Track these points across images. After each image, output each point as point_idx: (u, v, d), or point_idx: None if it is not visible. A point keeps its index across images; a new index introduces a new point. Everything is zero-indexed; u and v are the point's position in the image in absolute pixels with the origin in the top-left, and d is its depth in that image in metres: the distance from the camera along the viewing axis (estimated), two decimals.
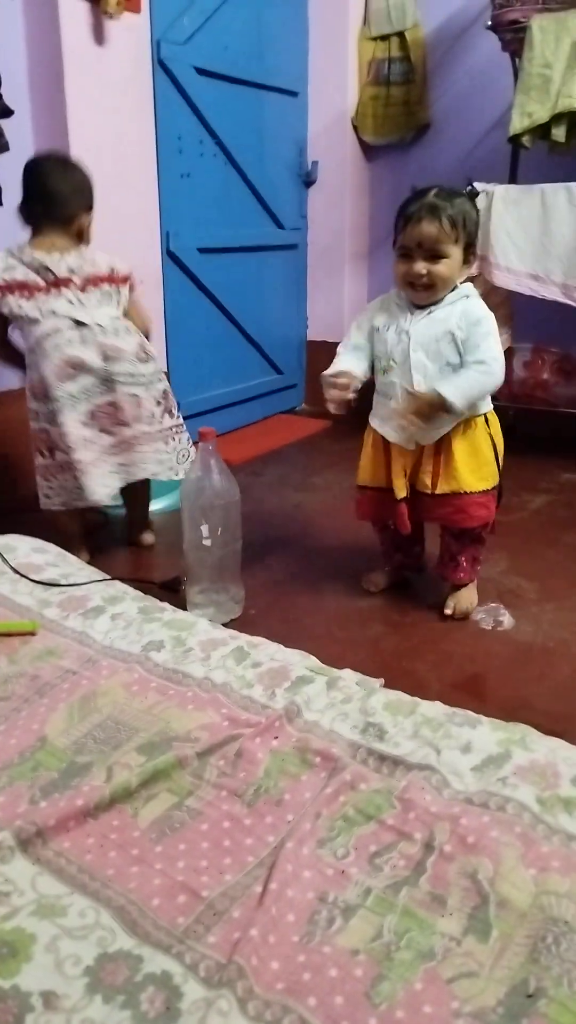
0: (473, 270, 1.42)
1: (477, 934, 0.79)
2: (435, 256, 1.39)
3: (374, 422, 1.56)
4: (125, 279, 1.79)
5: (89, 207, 1.73)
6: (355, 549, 1.92)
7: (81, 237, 1.73)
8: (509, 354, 2.56)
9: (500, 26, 2.34)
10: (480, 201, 2.35)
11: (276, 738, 1.08)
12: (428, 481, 1.49)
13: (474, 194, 1.48)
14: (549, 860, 0.87)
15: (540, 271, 2.33)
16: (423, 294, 1.43)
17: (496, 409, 2.69)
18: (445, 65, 2.88)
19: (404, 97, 2.92)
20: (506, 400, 2.63)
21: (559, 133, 2.23)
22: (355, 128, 3.03)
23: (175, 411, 1.83)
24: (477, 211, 1.44)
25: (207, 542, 1.48)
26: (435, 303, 1.44)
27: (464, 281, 1.47)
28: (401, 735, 1.08)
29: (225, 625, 1.48)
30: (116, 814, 0.95)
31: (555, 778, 0.99)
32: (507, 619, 1.55)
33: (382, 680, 1.24)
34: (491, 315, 1.44)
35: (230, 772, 1.02)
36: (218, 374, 2.83)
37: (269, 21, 2.77)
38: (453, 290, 1.44)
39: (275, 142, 2.89)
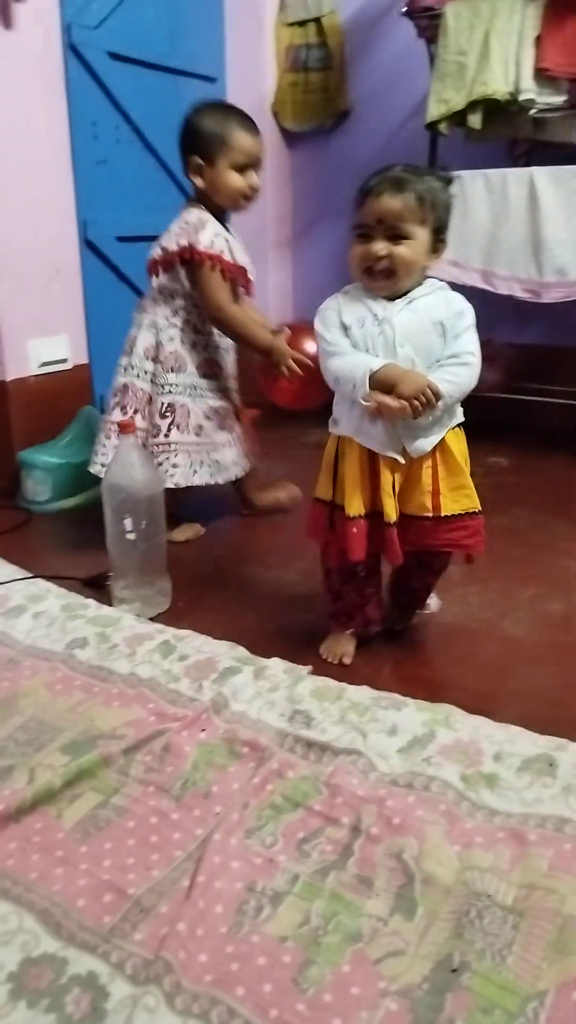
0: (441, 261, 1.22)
1: (403, 913, 0.81)
2: (397, 236, 1.17)
3: (352, 434, 1.25)
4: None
5: None
6: (284, 537, 1.92)
7: None
8: None
9: (415, 12, 2.35)
10: None
11: (203, 731, 1.07)
12: (429, 502, 1.24)
13: (447, 179, 1.23)
14: (473, 836, 0.89)
15: (460, 258, 2.36)
16: (382, 282, 1.20)
17: None
18: (363, 51, 2.89)
19: (323, 84, 2.92)
20: None
21: (475, 120, 2.26)
22: (275, 115, 3.02)
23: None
24: (449, 194, 1.21)
25: (131, 536, 1.46)
26: (407, 292, 1.21)
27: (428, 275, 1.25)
28: (328, 721, 1.09)
29: (153, 619, 1.47)
30: (39, 816, 0.93)
31: (478, 755, 1.01)
32: (434, 602, 1.56)
33: (310, 667, 1.25)
34: (471, 308, 1.25)
35: (157, 767, 1.01)
36: None
37: (183, 6, 2.73)
38: (422, 283, 1.23)
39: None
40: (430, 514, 1.25)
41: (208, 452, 1.82)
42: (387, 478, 1.23)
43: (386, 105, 2.88)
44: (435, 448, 1.24)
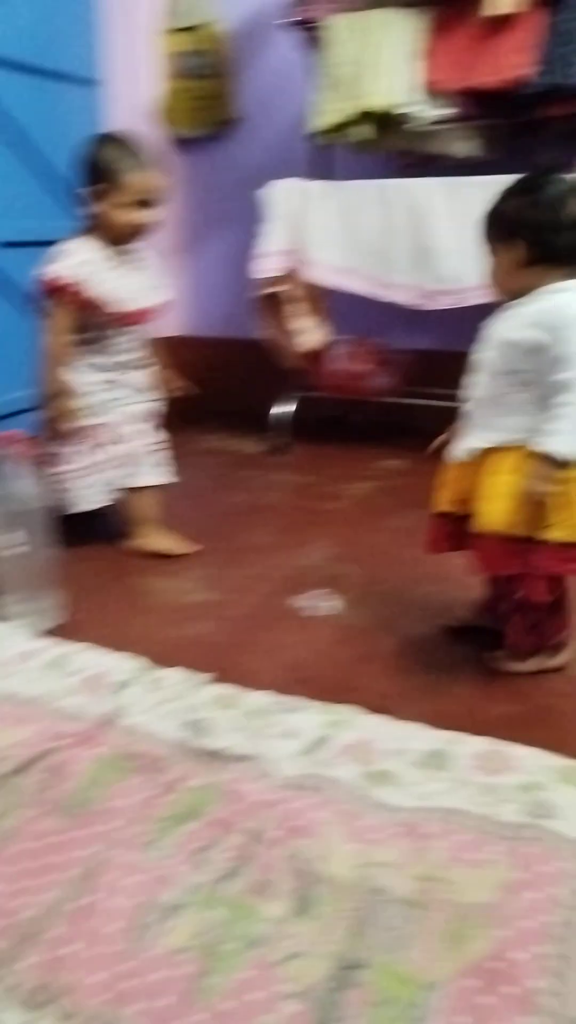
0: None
1: (303, 914, 0.80)
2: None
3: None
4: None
5: None
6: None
7: None
8: (328, 347, 2.62)
9: (298, 23, 2.38)
10: (289, 196, 2.40)
11: (99, 746, 1.05)
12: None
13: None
14: (371, 833, 0.90)
15: (351, 266, 2.40)
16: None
17: (318, 400, 2.79)
18: (250, 60, 2.91)
19: (210, 91, 2.92)
20: (327, 391, 2.69)
21: (363, 131, 2.30)
22: (162, 120, 3.00)
23: None
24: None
25: (18, 549, 1.41)
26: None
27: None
28: (227, 728, 1.08)
29: (47, 633, 1.42)
30: None
31: (375, 754, 1.03)
32: (333, 604, 1.58)
33: (209, 675, 1.24)
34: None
35: (52, 785, 0.98)
36: (25, 373, 2.71)
37: (60, 9, 2.67)
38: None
39: (79, 132, 2.80)
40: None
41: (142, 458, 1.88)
42: (452, 473, 1.31)
43: (275, 114, 2.91)
44: None
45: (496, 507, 1.17)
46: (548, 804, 0.92)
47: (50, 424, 1.79)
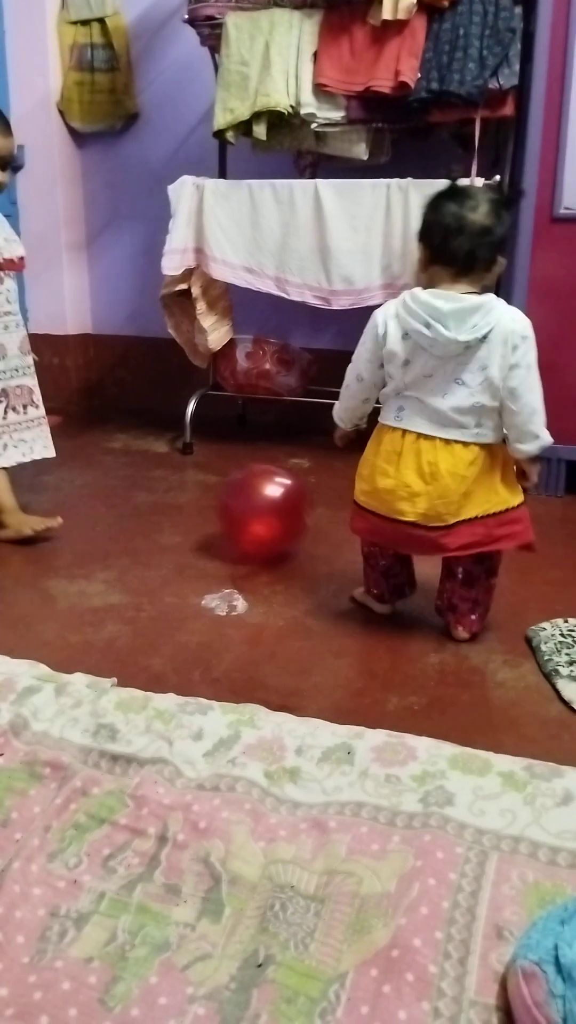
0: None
1: (211, 916, 0.81)
2: None
3: None
4: (19, 263, 1.84)
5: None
6: (83, 548, 1.87)
7: None
8: (232, 345, 2.63)
9: (196, 21, 2.37)
10: (192, 194, 2.39)
11: (1, 755, 1.03)
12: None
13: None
14: (277, 830, 0.92)
15: (254, 264, 2.41)
16: None
17: (223, 399, 2.79)
18: (150, 55, 2.88)
19: (110, 85, 2.87)
20: (232, 390, 2.70)
21: (259, 131, 2.31)
22: (61, 113, 2.94)
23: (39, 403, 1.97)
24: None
25: None
26: None
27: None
28: (133, 732, 1.08)
29: None
30: None
31: (281, 751, 1.04)
32: (240, 603, 1.59)
33: (114, 680, 1.23)
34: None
35: None
36: None
37: None
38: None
39: None
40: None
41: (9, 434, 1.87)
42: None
43: (176, 110, 2.89)
44: None
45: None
46: (444, 791, 0.96)
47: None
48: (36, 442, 1.93)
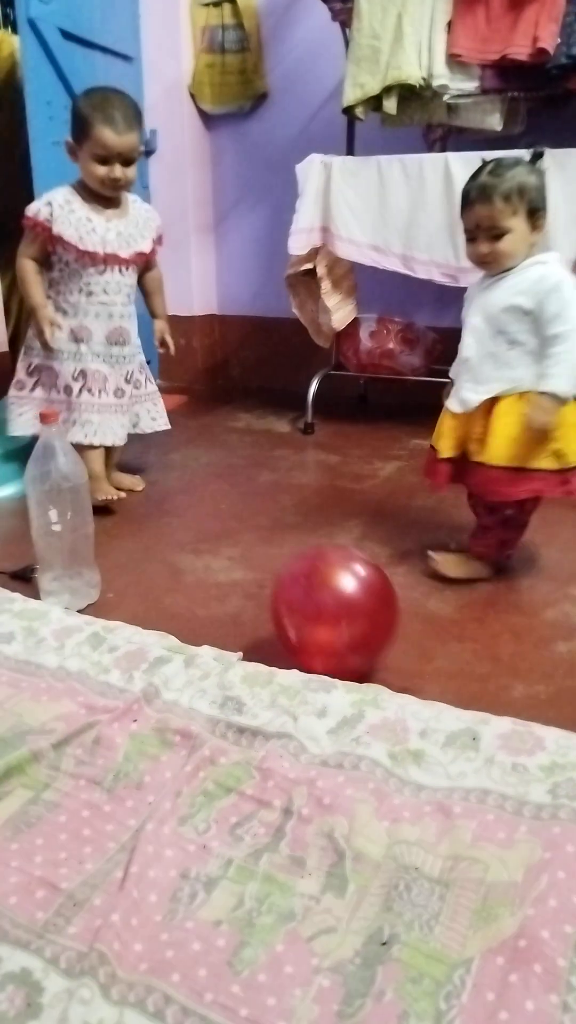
0: (540, 234, 1.42)
1: (335, 890, 0.82)
2: (496, 235, 1.38)
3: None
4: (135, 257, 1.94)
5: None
6: (208, 525, 1.92)
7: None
8: (355, 324, 2.62)
9: None
10: (320, 172, 2.38)
11: (135, 721, 1.07)
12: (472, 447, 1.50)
13: (538, 155, 1.52)
14: (400, 811, 0.92)
15: (380, 242, 2.38)
16: (493, 268, 1.44)
17: (345, 379, 2.78)
18: (279, 34, 2.88)
19: (240, 65, 2.89)
20: (355, 370, 2.69)
21: (390, 105, 2.28)
22: (192, 96, 2.99)
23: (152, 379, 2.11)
24: (540, 174, 1.40)
25: (56, 527, 1.44)
26: (507, 270, 1.43)
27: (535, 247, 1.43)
28: (259, 706, 1.10)
29: (81, 611, 1.45)
30: None
31: (404, 733, 1.04)
32: None
33: (240, 653, 1.26)
34: (572, 281, 1.40)
35: (88, 760, 1.01)
36: None
37: None
38: (526, 257, 1.42)
39: None
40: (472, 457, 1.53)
41: (79, 412, 1.92)
42: (449, 423, 1.56)
43: (304, 88, 2.88)
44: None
45: (501, 443, 1.44)
46: (574, 784, 0.93)
47: (37, 340, 1.90)
48: (102, 426, 1.95)
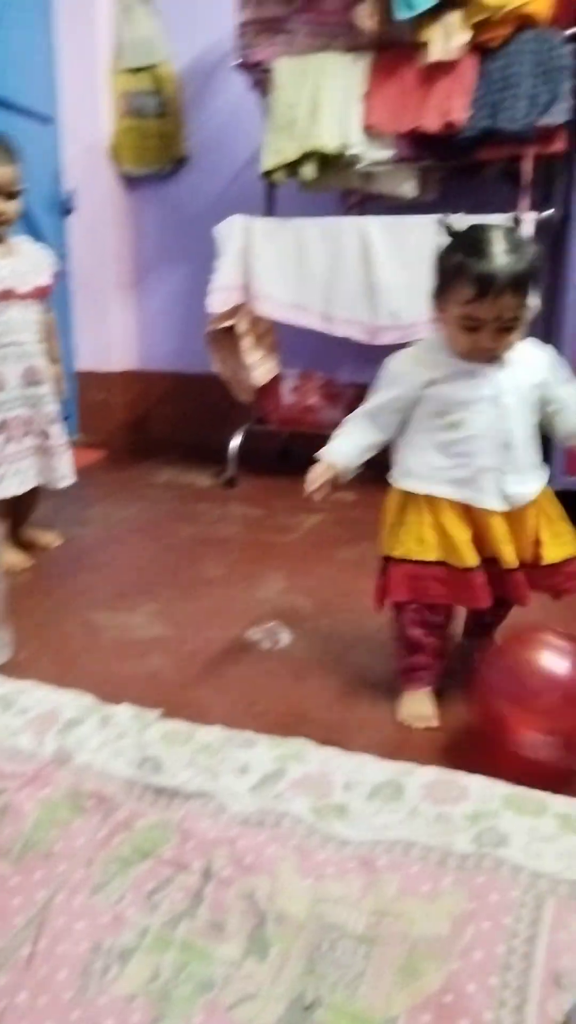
0: None
1: (256, 954, 0.79)
2: (511, 327, 1.15)
3: (440, 488, 1.23)
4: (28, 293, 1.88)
5: None
6: (127, 580, 1.88)
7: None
8: (277, 380, 2.65)
9: (247, 65, 2.44)
10: (240, 233, 2.43)
11: (47, 786, 1.02)
12: (538, 551, 1.27)
13: (518, 220, 1.26)
14: (324, 867, 0.89)
15: (300, 301, 2.43)
16: (492, 361, 1.20)
17: (267, 434, 2.80)
18: (199, 100, 2.96)
19: (160, 130, 2.96)
20: (276, 425, 2.71)
21: (308, 171, 2.35)
22: (113, 158, 3.03)
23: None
24: (538, 252, 1.17)
25: None
26: None
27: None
28: (178, 765, 1.07)
29: None
30: None
31: (328, 787, 1.02)
32: (285, 636, 1.58)
33: (160, 711, 1.22)
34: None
35: None
36: None
37: (11, 43, 2.69)
38: None
39: (27, 168, 2.82)
40: (531, 562, 1.27)
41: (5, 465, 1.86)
42: (501, 527, 1.23)
43: (224, 152, 2.95)
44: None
45: (563, 541, 1.29)
46: (497, 832, 0.93)
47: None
48: (30, 471, 1.90)
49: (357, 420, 1.29)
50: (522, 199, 2.17)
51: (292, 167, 2.37)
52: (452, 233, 1.18)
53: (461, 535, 1.22)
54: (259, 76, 2.45)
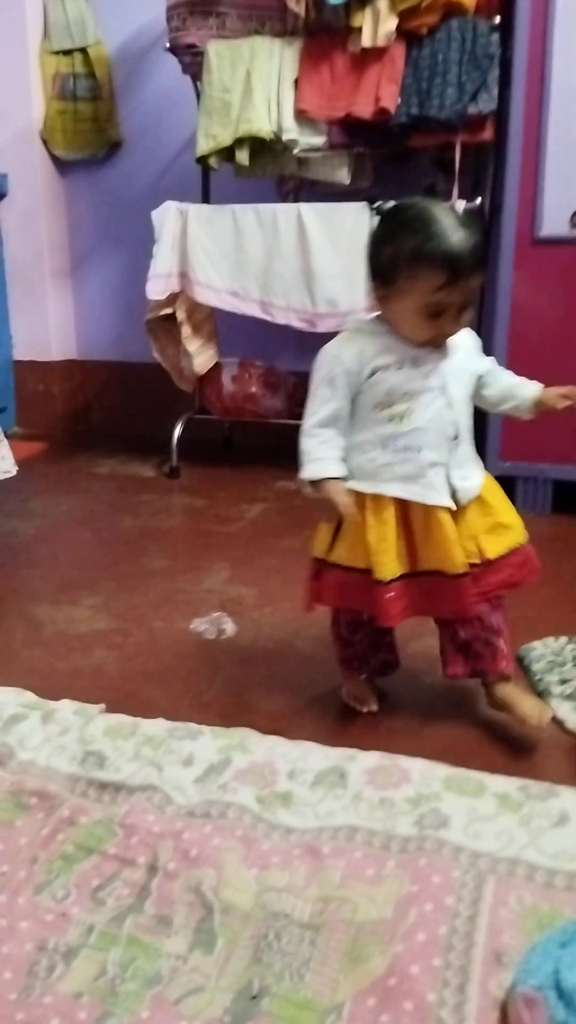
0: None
1: (203, 947, 0.79)
2: (468, 308, 1.08)
3: (387, 487, 1.13)
4: None
5: None
6: (69, 574, 1.86)
7: None
8: (217, 368, 2.63)
9: (178, 49, 2.40)
10: (175, 219, 2.40)
11: None
12: (480, 546, 1.16)
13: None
14: (269, 857, 0.90)
15: (238, 288, 2.42)
16: (443, 346, 1.13)
17: (209, 423, 2.79)
18: (132, 83, 2.90)
19: (92, 113, 2.89)
20: (218, 414, 2.70)
21: (242, 156, 2.33)
22: (44, 142, 2.96)
23: None
24: None
25: None
26: None
27: None
28: (122, 759, 1.06)
29: None
30: None
31: (272, 775, 1.03)
32: (229, 627, 1.58)
33: (103, 706, 1.21)
34: None
35: None
36: None
37: None
38: None
39: None
40: (483, 558, 1.15)
41: None
42: (450, 525, 1.12)
43: (158, 137, 2.91)
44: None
45: (504, 531, 1.18)
46: (439, 814, 0.94)
47: None
48: None
49: (322, 433, 1.15)
50: (453, 187, 2.19)
51: (227, 152, 2.35)
52: (388, 216, 1.10)
53: (386, 544, 1.12)
54: (190, 60, 2.42)
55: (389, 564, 1.12)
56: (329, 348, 1.14)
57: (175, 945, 0.80)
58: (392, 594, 1.13)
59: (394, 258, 1.06)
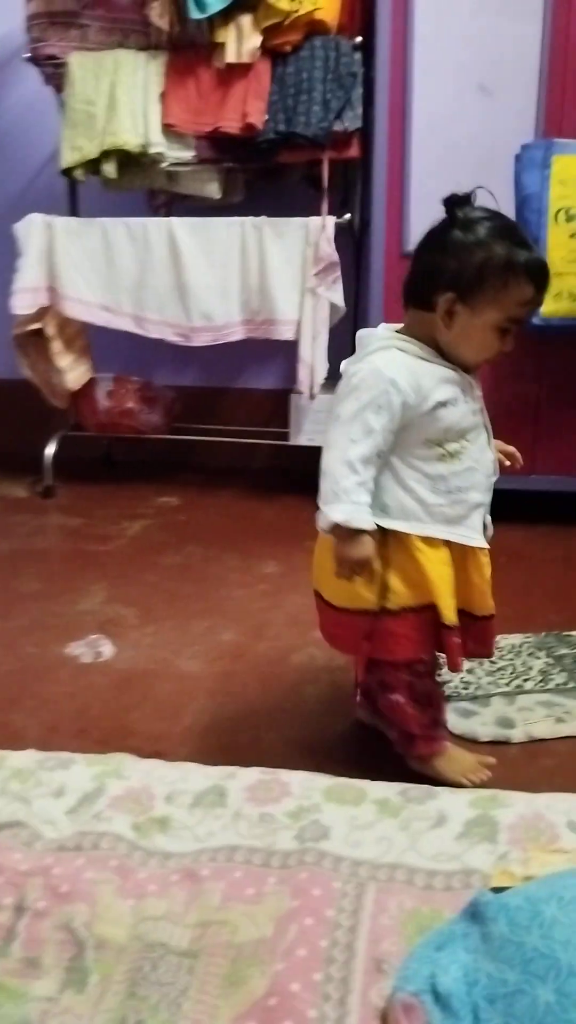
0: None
1: (75, 985, 0.76)
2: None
3: (434, 528, 1.02)
4: None
5: None
6: None
7: None
8: (92, 384, 2.57)
9: (39, 60, 2.34)
10: (42, 232, 2.33)
11: None
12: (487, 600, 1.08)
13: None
14: (146, 885, 0.87)
15: (110, 302, 2.37)
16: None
17: (87, 440, 2.72)
18: None
19: None
20: (94, 430, 2.63)
21: (109, 169, 2.29)
22: None
23: None
24: None
25: None
26: None
27: None
28: None
29: None
30: None
31: (150, 800, 0.99)
32: (107, 649, 1.53)
33: None
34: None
35: None
36: None
37: None
38: None
39: None
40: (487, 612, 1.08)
41: None
42: (489, 567, 1.06)
43: (22, 149, 2.83)
44: None
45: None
46: (320, 825, 0.94)
47: None
48: None
49: (363, 472, 0.97)
50: (322, 203, 2.22)
51: (94, 165, 2.31)
52: (472, 223, 0.98)
53: (447, 586, 1.02)
54: (52, 71, 2.36)
55: (453, 606, 1.03)
56: (380, 366, 0.97)
57: (44, 987, 0.75)
58: (458, 639, 1.04)
59: (483, 266, 0.96)
